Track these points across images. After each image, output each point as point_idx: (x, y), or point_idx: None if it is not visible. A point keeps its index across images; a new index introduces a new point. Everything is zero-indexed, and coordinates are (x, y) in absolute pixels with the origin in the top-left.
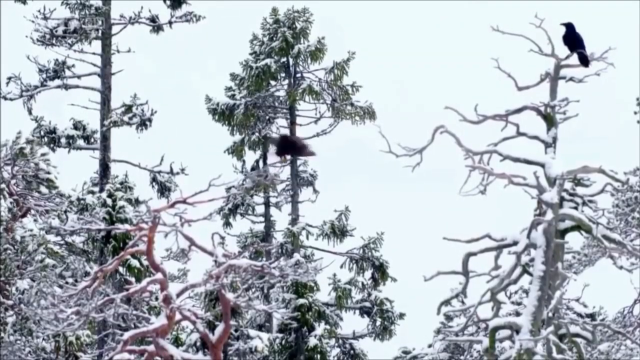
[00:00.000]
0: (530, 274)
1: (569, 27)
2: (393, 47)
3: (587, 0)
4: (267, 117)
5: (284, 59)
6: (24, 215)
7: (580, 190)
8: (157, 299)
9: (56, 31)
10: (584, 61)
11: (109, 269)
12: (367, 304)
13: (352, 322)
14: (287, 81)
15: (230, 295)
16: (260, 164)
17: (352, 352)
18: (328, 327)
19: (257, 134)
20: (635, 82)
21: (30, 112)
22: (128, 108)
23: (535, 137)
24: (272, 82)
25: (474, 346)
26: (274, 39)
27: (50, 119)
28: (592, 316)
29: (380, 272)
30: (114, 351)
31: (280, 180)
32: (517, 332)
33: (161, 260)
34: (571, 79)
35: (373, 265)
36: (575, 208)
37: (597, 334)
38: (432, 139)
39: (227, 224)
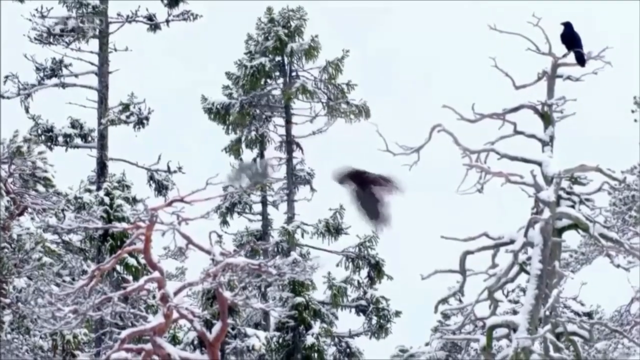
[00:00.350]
0: (528, 273)
1: (567, 26)
2: (390, 45)
3: (587, 0)
4: (263, 116)
5: (278, 58)
6: (21, 214)
7: (577, 188)
8: (154, 297)
9: (54, 30)
10: (581, 60)
11: (107, 267)
12: (363, 302)
13: (348, 321)
14: (282, 80)
15: (227, 294)
16: (258, 161)
17: (348, 350)
18: (324, 325)
19: (254, 132)
20: (632, 80)
21: (27, 111)
22: (125, 107)
23: (533, 136)
24: (268, 81)
25: (471, 345)
26: (269, 38)
27: (48, 117)
28: (589, 315)
29: (376, 270)
30: (111, 350)
31: (276, 179)
32: (515, 330)
33: (158, 258)
34: (568, 77)
35: (369, 263)
36: (573, 206)
37: (594, 332)
38: (429, 137)
39: (225, 222)
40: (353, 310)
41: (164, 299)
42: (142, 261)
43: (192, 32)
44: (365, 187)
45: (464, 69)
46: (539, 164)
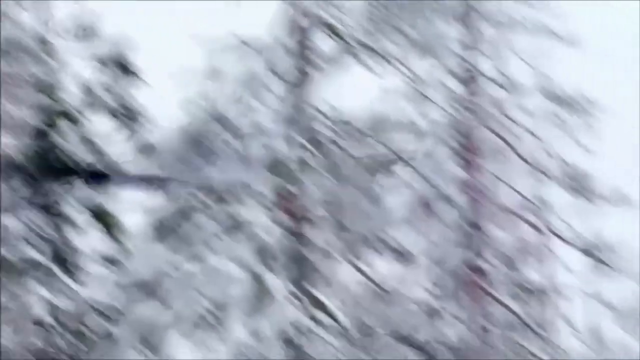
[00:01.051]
0: (280, 76)
1: None
2: None
3: None
4: None
5: None
6: None
7: None
8: None
9: None
10: None
11: None
12: (116, 106)
13: (101, 125)
14: None
15: None
16: None
17: (100, 154)
18: (78, 130)
19: None
20: None
21: None
22: None
23: None
24: None
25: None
26: None
27: None
28: (342, 120)
29: (130, 73)
30: None
31: None
32: (270, 137)
33: None
34: None
35: (122, 67)
36: (324, 9)
37: (347, 136)
38: None
39: None
40: (106, 113)
41: None
42: None
43: None
44: None
45: None
46: None
